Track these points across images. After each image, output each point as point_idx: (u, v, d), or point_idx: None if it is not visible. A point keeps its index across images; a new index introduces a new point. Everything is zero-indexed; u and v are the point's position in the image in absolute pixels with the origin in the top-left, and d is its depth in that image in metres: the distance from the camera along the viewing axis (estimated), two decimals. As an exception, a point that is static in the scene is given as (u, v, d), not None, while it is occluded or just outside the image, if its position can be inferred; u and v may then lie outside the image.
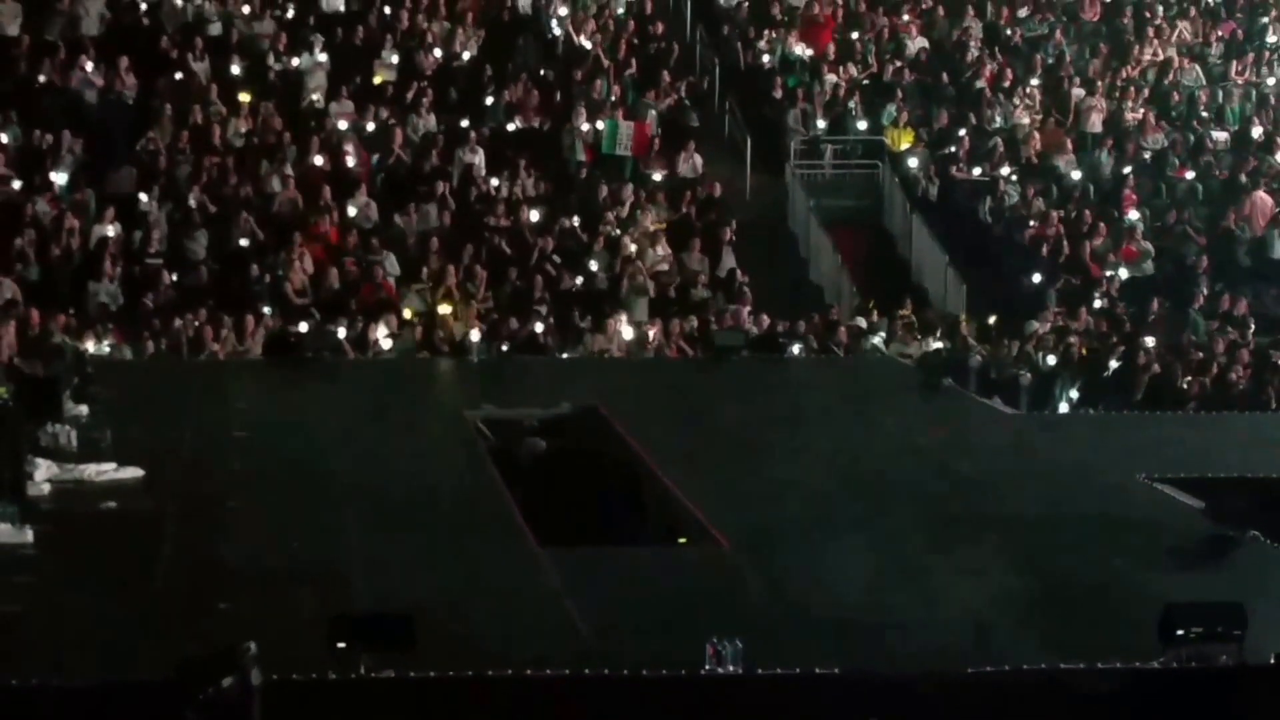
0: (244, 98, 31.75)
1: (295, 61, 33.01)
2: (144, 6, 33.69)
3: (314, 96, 32.45)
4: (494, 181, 31.23)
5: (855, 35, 36.16)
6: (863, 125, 34.38)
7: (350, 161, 31.01)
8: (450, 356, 26.47)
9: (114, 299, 27.49)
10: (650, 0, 36.78)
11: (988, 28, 37.02)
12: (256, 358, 25.94)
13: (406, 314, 27.75)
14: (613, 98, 33.30)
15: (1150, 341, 28.25)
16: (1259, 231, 32.43)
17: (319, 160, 30.82)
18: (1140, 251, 31.65)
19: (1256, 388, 26.98)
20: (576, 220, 30.55)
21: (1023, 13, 37.60)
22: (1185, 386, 26.65)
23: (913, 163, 33.56)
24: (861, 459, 19.67)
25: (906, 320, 28.98)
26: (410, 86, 32.86)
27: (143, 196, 29.20)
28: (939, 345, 27.81)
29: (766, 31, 36.12)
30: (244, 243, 28.93)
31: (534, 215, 30.37)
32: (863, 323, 28.81)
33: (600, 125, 32.55)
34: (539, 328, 27.44)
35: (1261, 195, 32.85)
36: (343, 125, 31.73)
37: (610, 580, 15.12)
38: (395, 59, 33.41)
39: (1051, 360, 27.38)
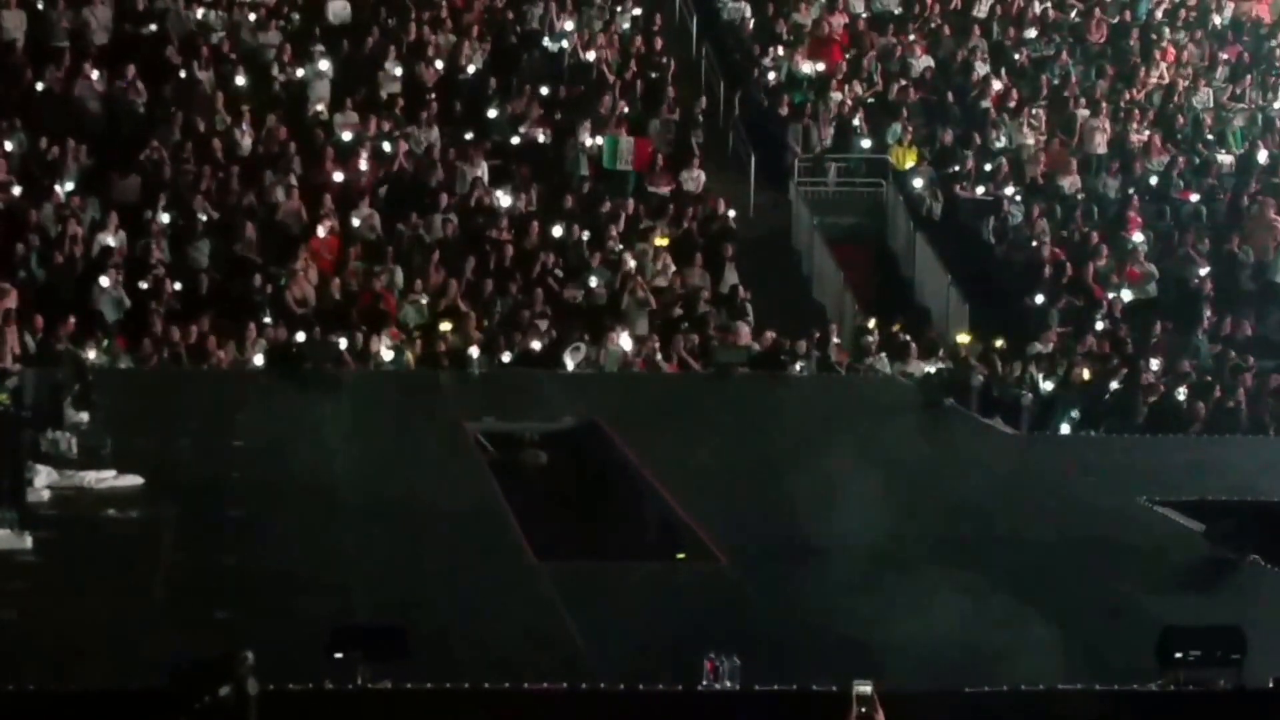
0: (239, 107, 31.70)
1: (300, 72, 33.01)
2: (150, 15, 33.65)
3: (318, 107, 32.45)
4: (497, 194, 31.21)
5: (859, 53, 36.13)
6: (867, 143, 34.38)
7: (354, 173, 30.98)
8: (451, 369, 26.46)
9: (116, 307, 27.47)
10: (657, 16, 36.80)
11: (993, 47, 37.01)
12: (257, 368, 25.95)
13: (408, 326, 27.71)
14: (620, 114, 33.28)
15: (1153, 364, 28.21)
16: (1268, 255, 32.34)
17: (322, 171, 30.81)
18: (1143, 273, 31.61)
19: (1257, 412, 26.95)
20: (579, 234, 30.54)
21: (1029, 33, 37.60)
22: (1187, 409, 26.61)
23: (917, 182, 33.54)
24: (861, 477, 19.65)
25: (898, 337, 28.94)
26: (414, 99, 32.87)
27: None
28: (940, 365, 27.78)
29: (772, 49, 36.12)
30: (248, 253, 28.95)
31: (536, 229, 30.35)
32: (866, 339, 28.76)
33: (600, 141, 32.56)
34: (537, 343, 27.44)
35: (1267, 218, 32.77)
36: (347, 136, 31.73)
37: (608, 594, 15.12)
38: (400, 71, 33.41)
39: (1053, 382, 27.34)
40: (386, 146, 31.67)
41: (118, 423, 20.08)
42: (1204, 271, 31.79)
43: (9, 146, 30.13)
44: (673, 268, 30.13)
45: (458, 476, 19.32)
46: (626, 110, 33.56)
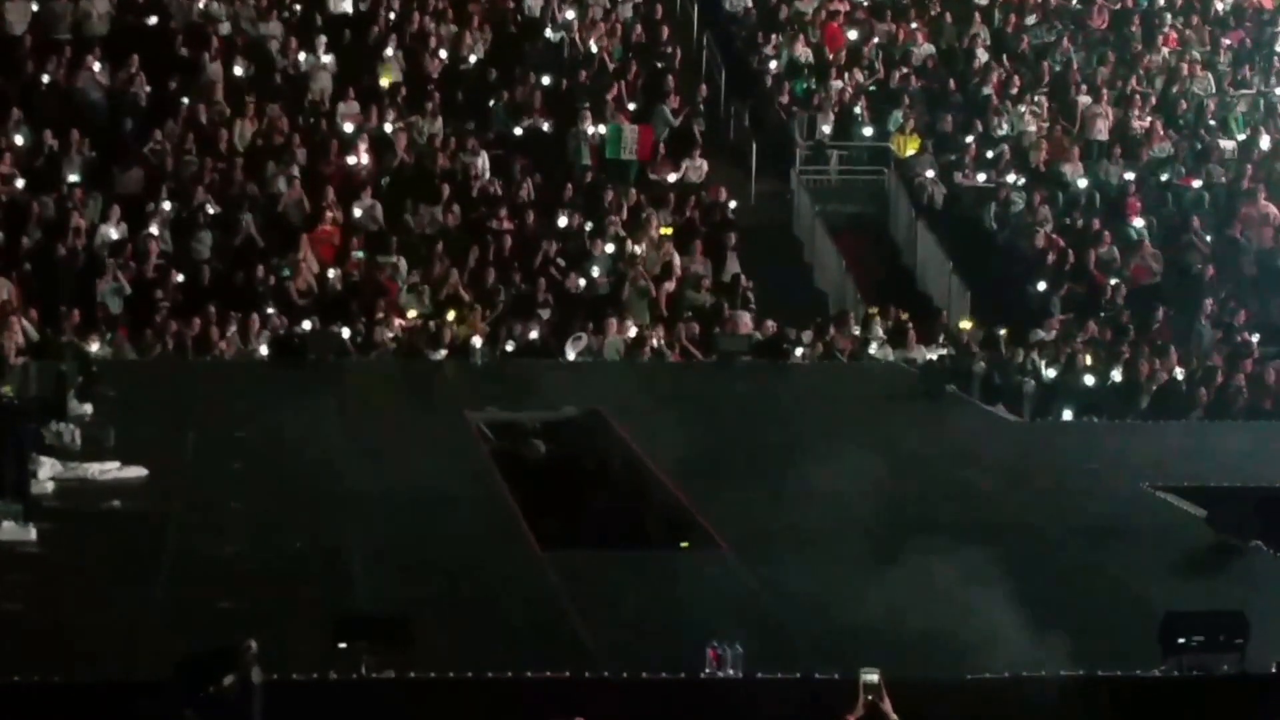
0: (241, 98, 31.68)
1: (301, 62, 32.98)
2: (151, 7, 33.62)
3: (320, 98, 32.42)
4: (499, 184, 31.23)
5: (860, 40, 36.08)
6: (869, 131, 34.35)
7: (356, 163, 30.98)
8: (453, 358, 26.48)
9: (119, 299, 27.50)
10: (658, 5, 36.78)
11: (995, 34, 36.97)
12: (260, 359, 25.98)
13: (410, 315, 27.73)
14: (622, 103, 33.25)
15: (1156, 349, 28.20)
16: (1265, 242, 32.32)
17: (324, 162, 30.83)
18: (1147, 265, 31.55)
19: (1259, 397, 26.95)
20: (580, 223, 30.53)
21: (1030, 20, 37.56)
22: (1189, 395, 26.61)
23: (919, 170, 33.52)
24: (863, 465, 19.66)
25: (900, 324, 28.95)
26: (416, 89, 32.86)
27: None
28: (942, 352, 27.78)
29: (774, 37, 36.09)
30: (251, 243, 28.98)
31: (538, 218, 30.36)
32: (877, 329, 28.73)
33: (603, 130, 32.56)
34: (539, 333, 27.45)
35: (1267, 205, 32.74)
36: (349, 127, 31.72)
37: (611, 583, 15.15)
38: (402, 61, 33.41)
39: (1055, 369, 27.34)
40: (388, 135, 31.65)
41: (121, 414, 20.12)
42: (1206, 257, 31.76)
43: (19, 140, 30.05)
44: (674, 257, 30.13)
45: (460, 466, 19.34)
46: (628, 99, 33.54)
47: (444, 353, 26.66)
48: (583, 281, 29.29)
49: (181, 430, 20.01)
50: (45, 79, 31.71)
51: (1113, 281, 30.99)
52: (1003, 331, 28.74)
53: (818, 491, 17.95)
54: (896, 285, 32.03)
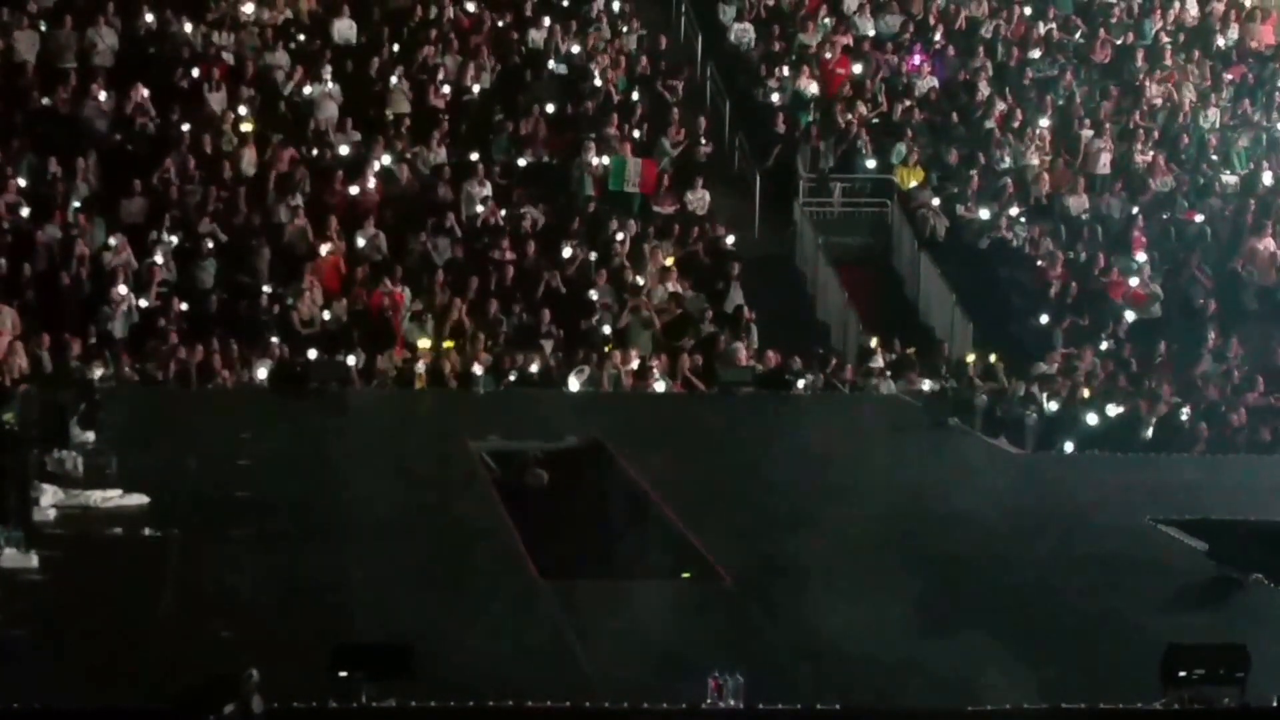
0: (246, 127, 31.75)
1: (307, 91, 33.06)
2: (157, 36, 33.71)
3: (324, 128, 32.49)
4: (502, 215, 31.28)
5: (861, 69, 36.12)
6: (872, 164, 34.41)
7: (360, 193, 31.03)
8: (456, 388, 26.50)
9: (123, 326, 27.53)
10: (662, 37, 36.87)
11: (998, 68, 37.05)
12: (263, 387, 25.99)
13: (420, 345, 27.74)
14: (635, 136, 33.30)
15: (1157, 383, 28.22)
16: (1268, 278, 32.36)
17: (328, 191, 30.89)
18: (1148, 294, 31.63)
19: (1261, 432, 26.96)
20: (584, 255, 30.57)
21: (1033, 54, 37.64)
22: (1191, 429, 26.62)
23: (922, 202, 33.55)
24: (865, 496, 19.68)
25: (906, 358, 28.98)
26: (421, 119, 32.93)
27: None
28: (945, 384, 27.79)
29: (777, 69, 36.16)
30: (256, 271, 29.02)
31: (541, 249, 30.42)
32: (878, 360, 28.75)
33: (607, 161, 32.60)
34: (542, 363, 27.47)
35: (1268, 241, 32.78)
36: (351, 155, 31.75)
37: (612, 613, 15.14)
38: (407, 92, 33.48)
39: (1058, 401, 27.35)
40: (392, 165, 31.72)
41: (123, 442, 20.11)
42: (1208, 291, 31.80)
43: (24, 168, 30.08)
44: (677, 288, 30.17)
45: (461, 495, 19.35)
46: (632, 131, 33.60)
47: (445, 382, 26.72)
48: (586, 313, 29.32)
49: (184, 458, 20.02)
50: (50, 106, 31.79)
51: (1115, 315, 31.02)
52: (1004, 364, 28.74)
53: (819, 522, 17.96)
54: (899, 317, 32.06)
